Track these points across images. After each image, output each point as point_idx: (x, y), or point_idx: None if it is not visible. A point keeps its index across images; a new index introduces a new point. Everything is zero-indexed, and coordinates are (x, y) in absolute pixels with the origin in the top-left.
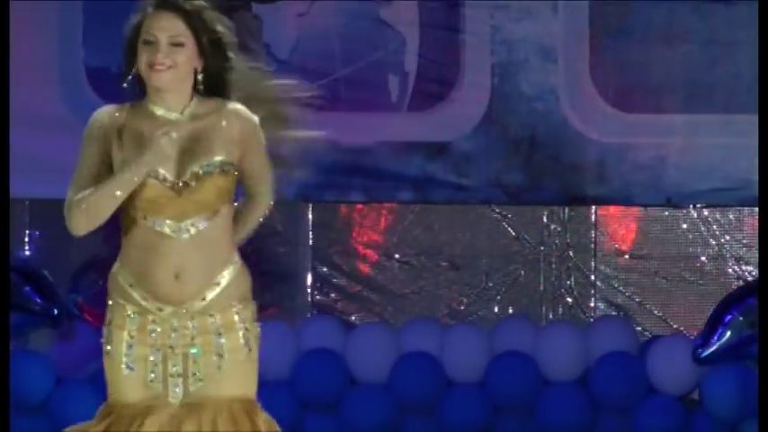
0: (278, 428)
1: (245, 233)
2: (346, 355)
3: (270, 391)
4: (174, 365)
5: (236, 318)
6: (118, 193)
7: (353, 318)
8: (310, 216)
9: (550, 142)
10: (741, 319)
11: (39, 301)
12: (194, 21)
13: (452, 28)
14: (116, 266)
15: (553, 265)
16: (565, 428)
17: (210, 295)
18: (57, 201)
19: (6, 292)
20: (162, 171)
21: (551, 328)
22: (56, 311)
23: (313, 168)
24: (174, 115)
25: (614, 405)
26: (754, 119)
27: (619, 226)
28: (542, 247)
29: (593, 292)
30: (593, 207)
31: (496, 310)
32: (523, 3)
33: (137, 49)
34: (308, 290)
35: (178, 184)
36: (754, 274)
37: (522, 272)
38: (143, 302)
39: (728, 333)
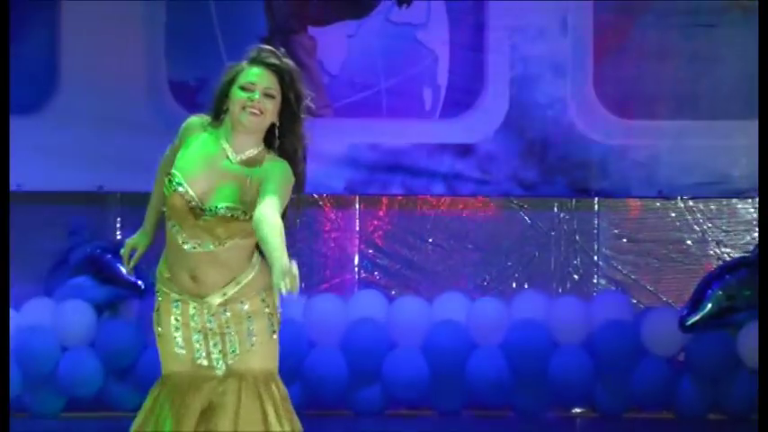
0: (288, 397)
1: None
2: (388, 323)
3: (324, 354)
4: (215, 344)
5: (261, 304)
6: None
7: (393, 292)
8: (358, 207)
9: (560, 144)
10: (720, 293)
11: (126, 276)
12: (285, 78)
13: (477, 48)
14: (161, 259)
15: (562, 248)
16: (572, 384)
17: (231, 291)
18: (143, 193)
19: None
20: (191, 191)
21: (561, 300)
22: (142, 285)
23: (360, 166)
24: (234, 156)
25: (613, 365)
26: (734, 124)
27: (618, 214)
28: (553, 233)
29: (595, 270)
30: (596, 199)
31: (514, 285)
32: (537, 26)
33: (229, 93)
34: (356, 268)
35: (195, 206)
36: (732, 255)
37: (536, 253)
38: (180, 295)
39: (710, 305)
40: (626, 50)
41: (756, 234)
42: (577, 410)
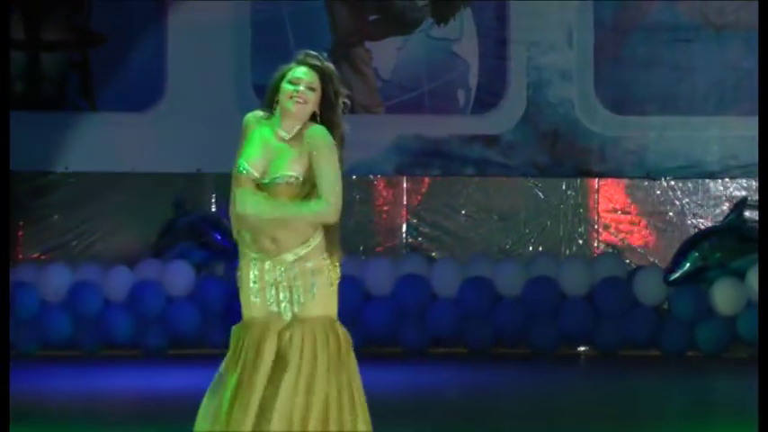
0: (350, 338)
1: (289, 211)
2: (429, 279)
3: (377, 305)
4: (284, 295)
5: (324, 262)
6: None
7: (434, 254)
8: (405, 185)
9: (567, 135)
10: (696, 254)
11: (219, 241)
12: (324, 76)
13: (501, 57)
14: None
15: (569, 218)
16: (577, 329)
17: (302, 252)
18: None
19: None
20: (253, 171)
21: (568, 260)
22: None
23: (407, 152)
24: (284, 135)
25: (611, 313)
26: (707, 119)
27: (614, 191)
28: (562, 206)
29: (596, 236)
30: (597, 179)
31: (531, 248)
32: (549, 40)
33: (280, 87)
34: (404, 235)
35: (258, 181)
36: (705, 224)
37: (548, 222)
38: (258, 255)
39: (687, 264)
40: (620, 60)
41: (725, 207)
42: (582, 349)
